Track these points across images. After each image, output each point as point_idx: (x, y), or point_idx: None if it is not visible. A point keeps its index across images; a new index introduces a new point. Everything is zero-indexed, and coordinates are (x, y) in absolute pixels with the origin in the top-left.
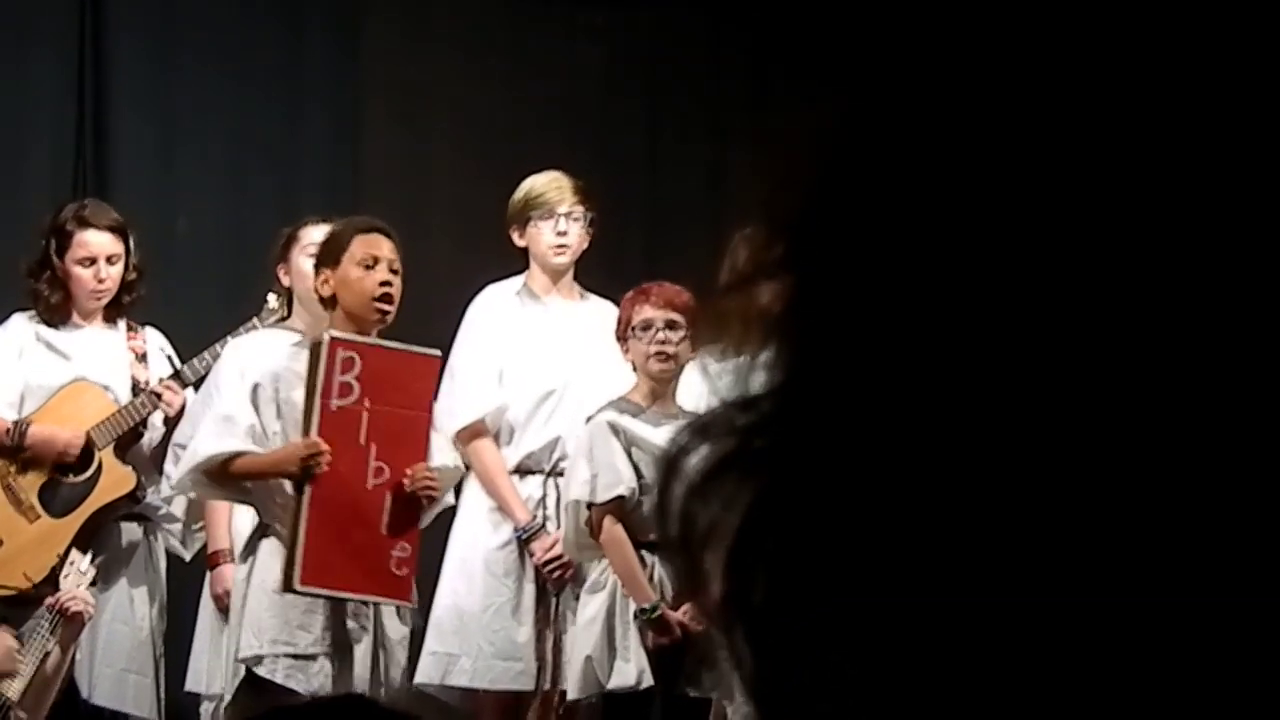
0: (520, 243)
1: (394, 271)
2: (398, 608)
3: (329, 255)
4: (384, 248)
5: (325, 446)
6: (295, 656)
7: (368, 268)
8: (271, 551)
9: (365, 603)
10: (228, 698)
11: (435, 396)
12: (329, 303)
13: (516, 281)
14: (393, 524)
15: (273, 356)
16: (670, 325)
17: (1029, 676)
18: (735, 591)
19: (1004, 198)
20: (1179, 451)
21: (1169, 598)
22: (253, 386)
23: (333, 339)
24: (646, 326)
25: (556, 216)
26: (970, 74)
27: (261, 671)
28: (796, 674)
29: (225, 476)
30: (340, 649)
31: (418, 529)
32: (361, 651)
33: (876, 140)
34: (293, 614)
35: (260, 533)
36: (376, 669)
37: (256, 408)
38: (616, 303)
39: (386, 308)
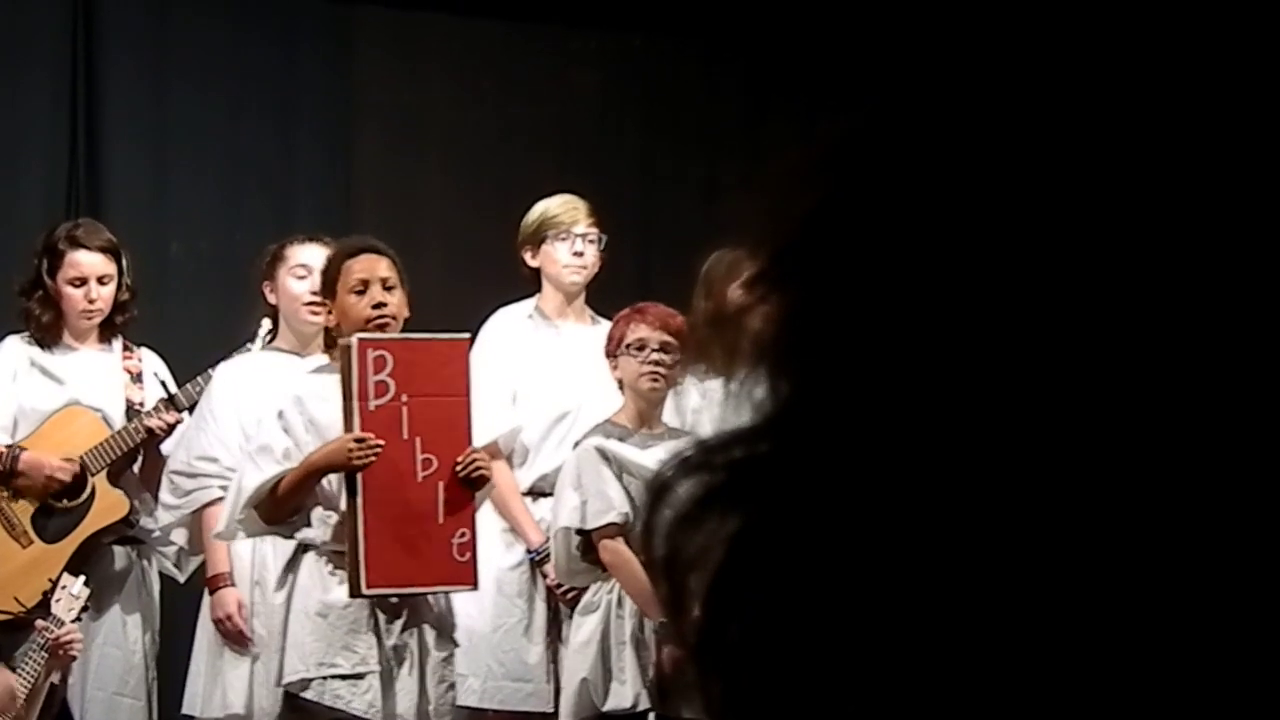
0: (533, 263)
1: (389, 289)
2: (440, 622)
3: (326, 287)
4: (377, 267)
5: (372, 436)
6: (343, 677)
7: (359, 293)
8: (311, 573)
9: (434, 593)
10: None
11: (469, 378)
12: (335, 330)
13: (528, 304)
14: (449, 512)
15: (288, 379)
16: (664, 347)
17: None
18: (712, 625)
19: (1008, 218)
20: (1186, 490)
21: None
22: (278, 413)
23: (361, 340)
24: (641, 346)
25: (573, 237)
26: (968, 93)
27: (309, 695)
28: (771, 712)
29: (274, 506)
30: (386, 667)
31: (473, 513)
32: (406, 669)
33: (877, 162)
34: (337, 635)
35: (297, 555)
36: (424, 687)
37: (287, 432)
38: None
39: (383, 325)
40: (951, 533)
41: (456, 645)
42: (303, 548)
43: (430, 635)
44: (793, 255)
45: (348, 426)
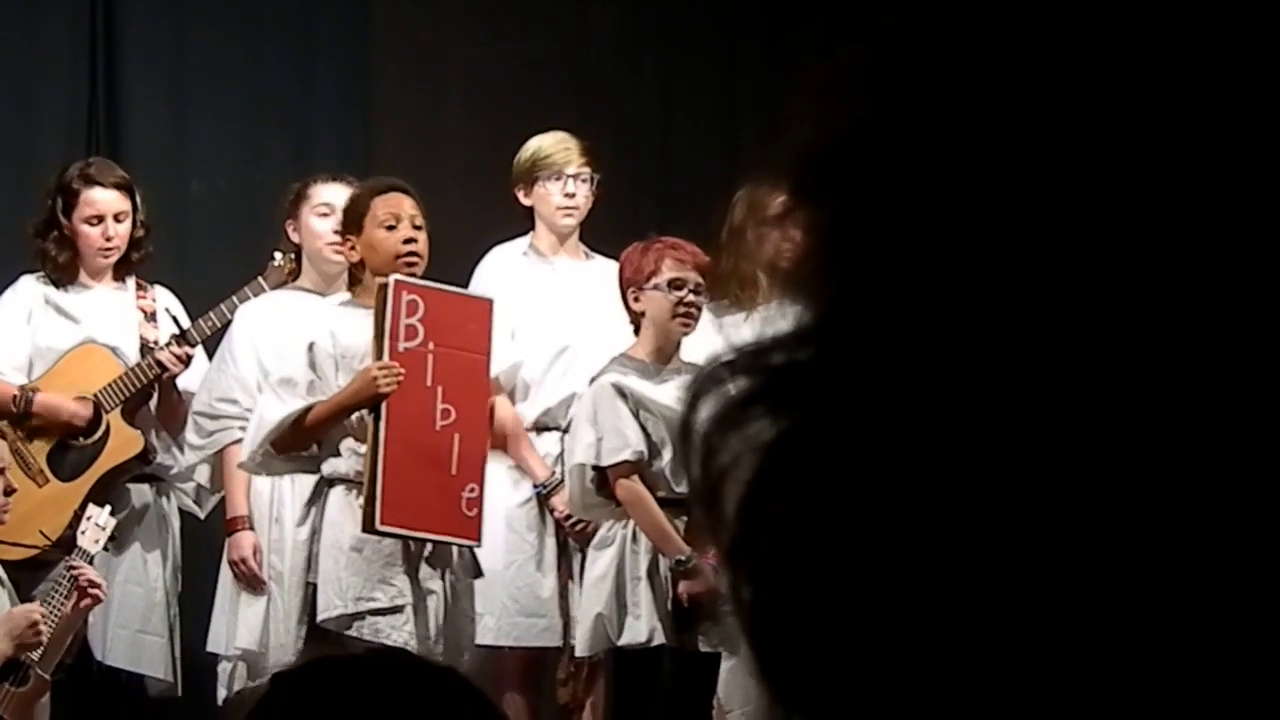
0: (526, 201)
1: (417, 228)
2: (463, 554)
3: (351, 222)
4: (404, 205)
5: (397, 366)
6: (381, 611)
7: (390, 228)
8: (340, 507)
9: (439, 543)
10: (290, 657)
11: (490, 339)
12: (358, 268)
13: (522, 242)
14: (461, 465)
15: (314, 315)
16: (697, 288)
17: (1037, 663)
18: (746, 529)
19: (1043, 141)
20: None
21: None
22: (308, 345)
23: (398, 282)
24: (679, 285)
25: (565, 178)
26: (1007, 10)
27: (350, 631)
28: (799, 623)
29: (294, 439)
30: (419, 600)
31: (483, 470)
32: (436, 602)
33: (915, 79)
34: (374, 569)
35: (321, 491)
36: (450, 620)
37: (315, 366)
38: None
39: (413, 262)
40: (986, 454)
41: (480, 575)
42: (327, 482)
43: (457, 569)
44: (830, 169)
45: (376, 359)
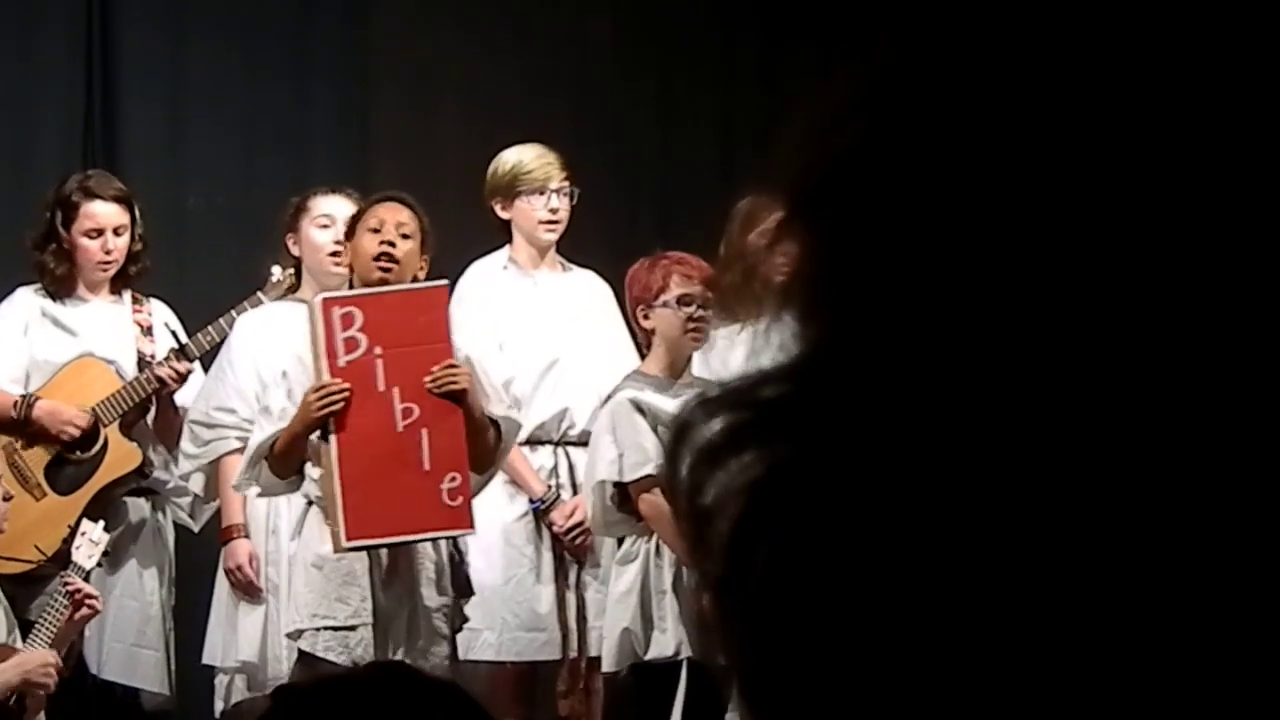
0: (504, 215)
1: (404, 236)
2: (446, 572)
3: (350, 231)
4: (397, 214)
5: (337, 384)
6: (335, 629)
7: (374, 231)
8: (312, 525)
9: (425, 540)
10: (285, 671)
11: (448, 325)
12: (353, 275)
13: (501, 256)
14: (436, 458)
15: (292, 335)
16: (705, 303)
17: (1033, 679)
18: (735, 565)
19: (1044, 165)
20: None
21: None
22: (282, 373)
23: (324, 300)
24: (688, 302)
25: (548, 193)
26: (1009, 33)
27: (303, 645)
28: (789, 660)
29: (275, 464)
30: (381, 620)
31: (464, 456)
32: (401, 622)
33: (914, 104)
34: (330, 587)
35: (306, 508)
36: (414, 639)
37: (290, 392)
38: (615, 276)
39: (385, 265)
40: (977, 485)
41: (465, 597)
42: (309, 501)
43: (428, 586)
44: (826, 194)
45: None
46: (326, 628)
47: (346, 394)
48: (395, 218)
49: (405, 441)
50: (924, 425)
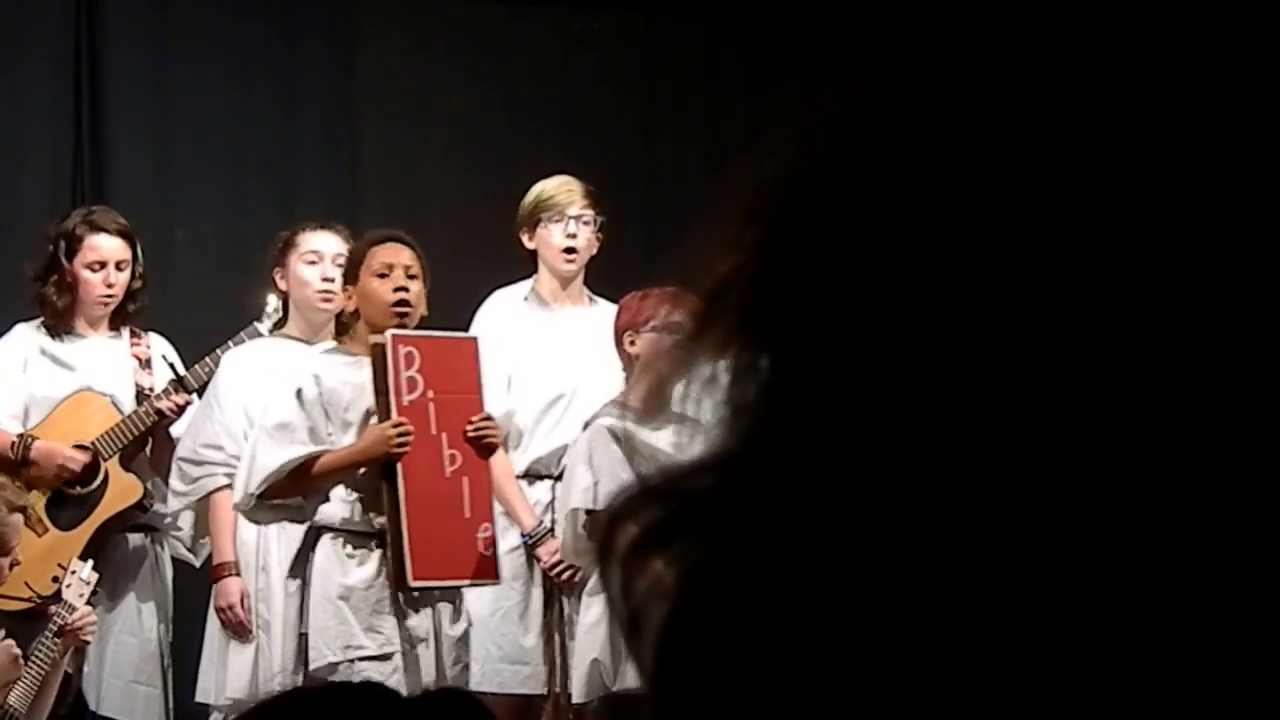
0: (529, 245)
1: (411, 277)
2: (446, 603)
3: (350, 273)
4: (401, 255)
5: (409, 425)
6: (370, 658)
7: (383, 276)
8: (328, 556)
9: (465, 587)
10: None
11: (480, 377)
12: (352, 317)
13: (524, 286)
14: (473, 507)
15: (305, 361)
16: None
17: None
18: (665, 665)
19: (1004, 211)
20: (1183, 497)
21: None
22: (296, 391)
23: (395, 336)
24: (677, 329)
25: (567, 219)
26: (968, 71)
27: (337, 680)
28: None
29: (291, 485)
30: (410, 648)
31: (492, 507)
32: (426, 649)
33: (861, 148)
34: (361, 616)
35: (310, 542)
36: (441, 667)
37: (305, 412)
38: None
39: (403, 311)
40: (921, 574)
41: (470, 624)
42: (316, 531)
43: (445, 614)
44: (764, 303)
45: (382, 420)
46: (362, 659)
47: (413, 435)
48: (401, 260)
49: (451, 488)
50: (851, 524)
